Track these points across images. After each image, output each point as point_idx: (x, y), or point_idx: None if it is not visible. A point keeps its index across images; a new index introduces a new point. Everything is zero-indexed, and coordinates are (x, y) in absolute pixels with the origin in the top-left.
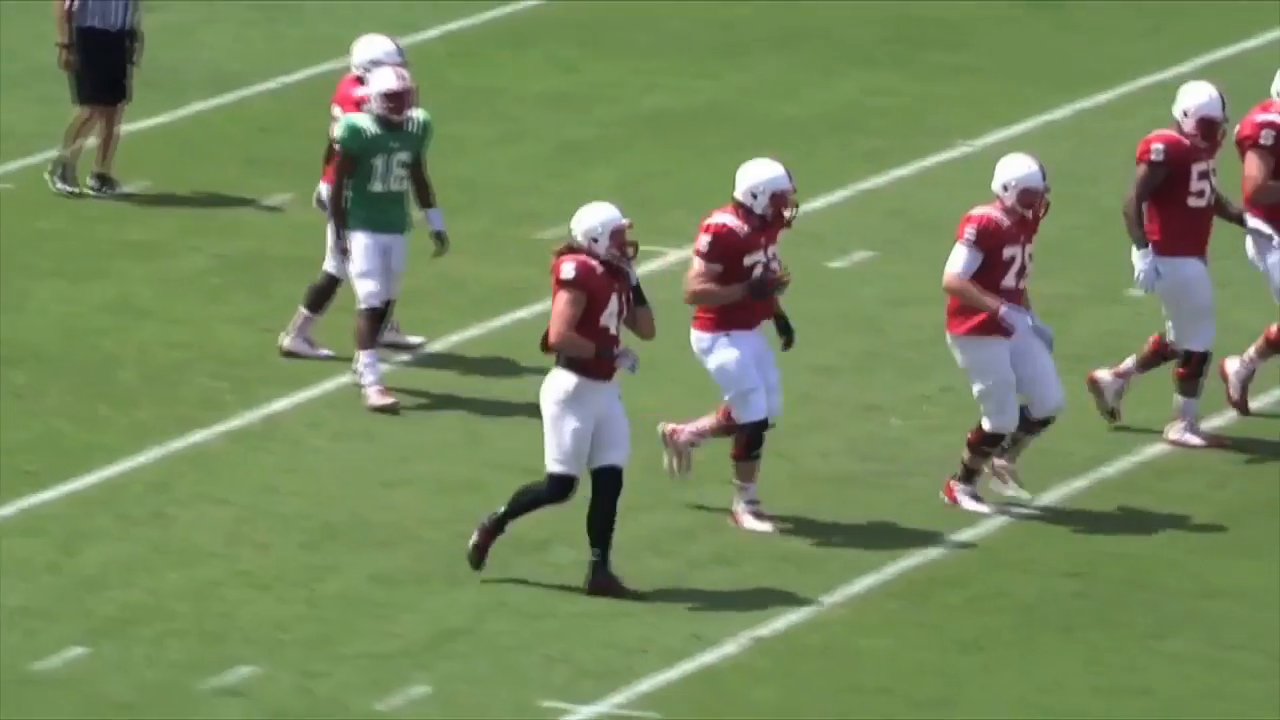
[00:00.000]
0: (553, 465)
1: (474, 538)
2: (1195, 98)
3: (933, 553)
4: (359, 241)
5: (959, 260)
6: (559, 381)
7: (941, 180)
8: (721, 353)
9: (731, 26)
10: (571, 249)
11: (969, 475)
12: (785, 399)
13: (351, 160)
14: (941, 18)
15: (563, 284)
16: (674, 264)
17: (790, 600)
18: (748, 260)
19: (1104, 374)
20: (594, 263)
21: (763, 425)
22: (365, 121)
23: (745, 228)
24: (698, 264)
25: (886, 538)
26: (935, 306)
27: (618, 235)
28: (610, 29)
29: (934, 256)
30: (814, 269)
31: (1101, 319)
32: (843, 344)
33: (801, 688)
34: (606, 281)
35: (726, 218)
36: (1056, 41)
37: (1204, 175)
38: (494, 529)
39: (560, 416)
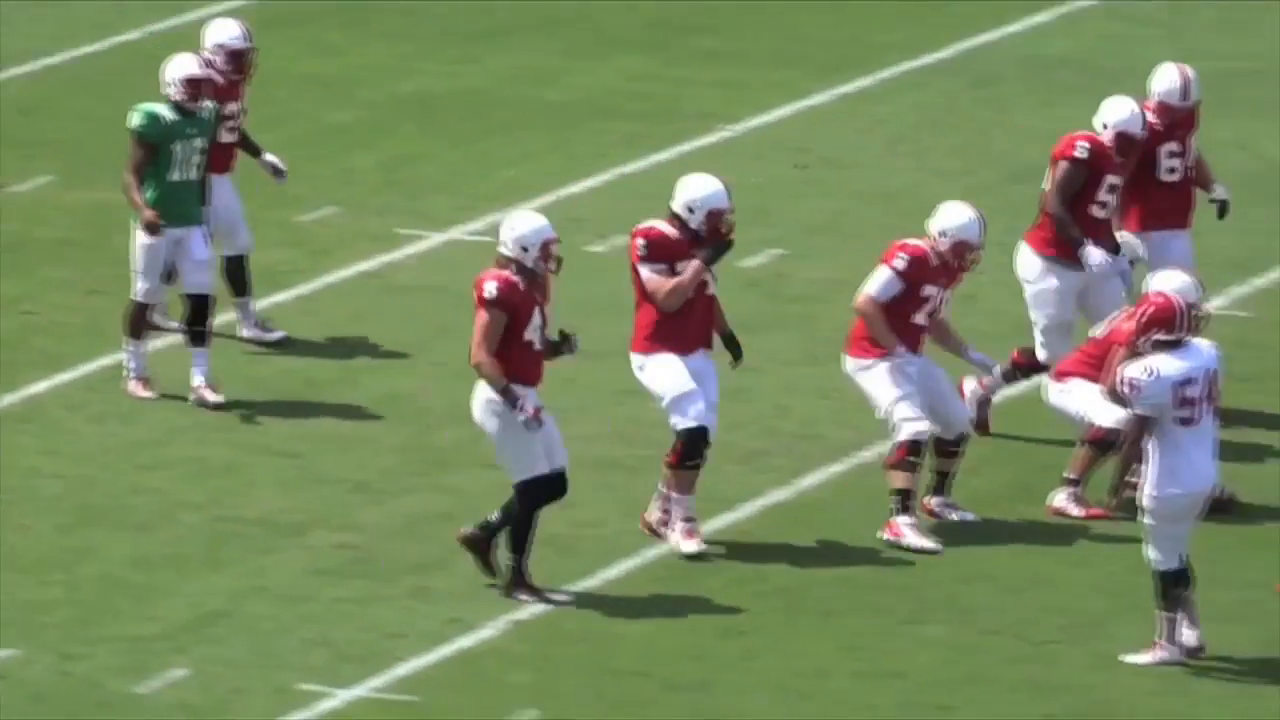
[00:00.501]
0: (524, 474)
1: (519, 592)
2: (1117, 113)
3: None
4: (144, 237)
5: (878, 283)
6: (489, 394)
7: (701, 165)
8: (656, 364)
9: (492, 11)
10: (498, 260)
11: (905, 504)
12: (547, 384)
13: (150, 149)
14: (701, 3)
15: (485, 303)
16: (434, 248)
17: (549, 584)
18: (678, 267)
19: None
20: (515, 279)
21: (701, 434)
22: (162, 109)
23: (678, 236)
24: (645, 273)
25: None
26: None
27: (547, 247)
28: (372, 12)
29: None
30: (574, 253)
31: None
32: (604, 329)
33: (559, 671)
34: (528, 296)
35: (660, 225)
36: (816, 26)
37: (1113, 188)
38: (520, 578)
39: (503, 425)
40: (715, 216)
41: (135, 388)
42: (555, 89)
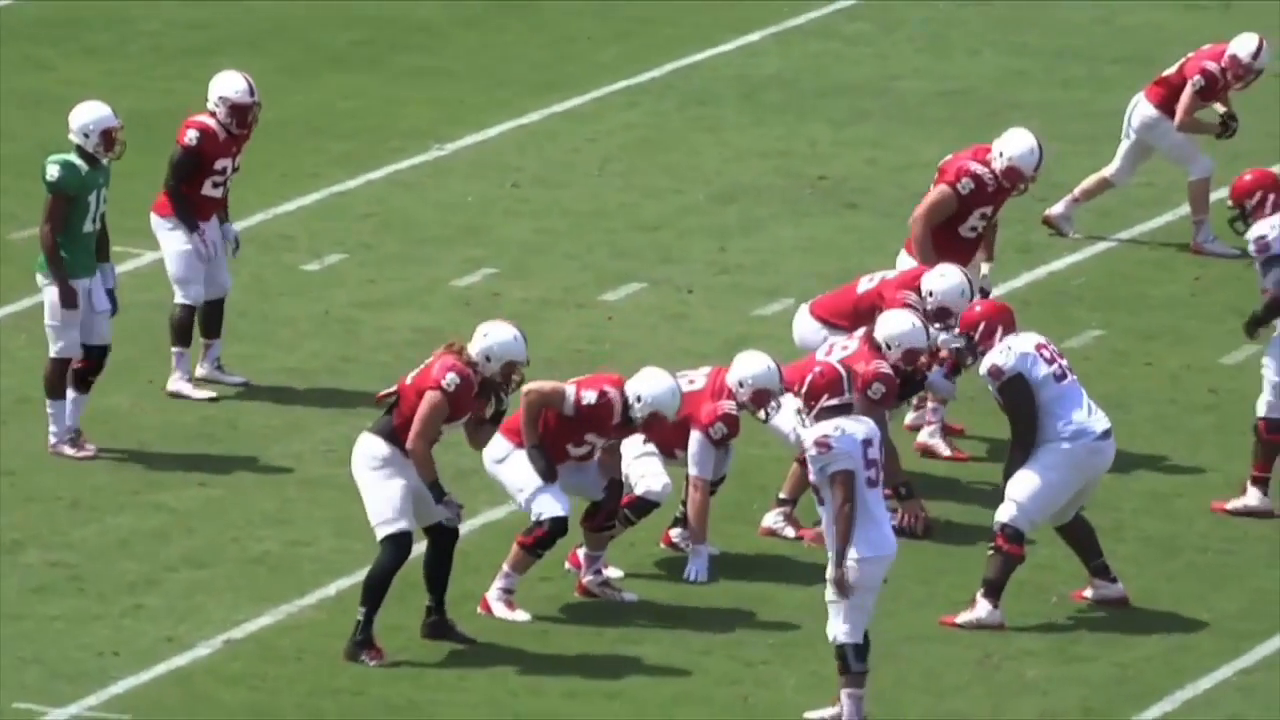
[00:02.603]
0: (387, 528)
1: (361, 654)
2: (1016, 146)
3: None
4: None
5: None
6: (371, 448)
7: (413, 183)
8: (517, 458)
9: (204, 27)
10: (456, 350)
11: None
12: (259, 403)
13: (69, 201)
14: (412, 19)
15: (441, 390)
16: (148, 265)
17: (263, 602)
18: (589, 438)
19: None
20: (474, 380)
21: (564, 524)
22: (76, 159)
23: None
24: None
25: (364, 538)
26: (407, 310)
27: (509, 369)
28: (83, 29)
29: (405, 258)
30: (288, 272)
31: (573, 322)
32: (316, 347)
33: (274, 690)
34: (474, 402)
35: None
36: (527, 45)
37: (984, 216)
38: (366, 631)
39: (381, 479)
40: (510, 367)
41: (65, 448)
42: (268, 106)
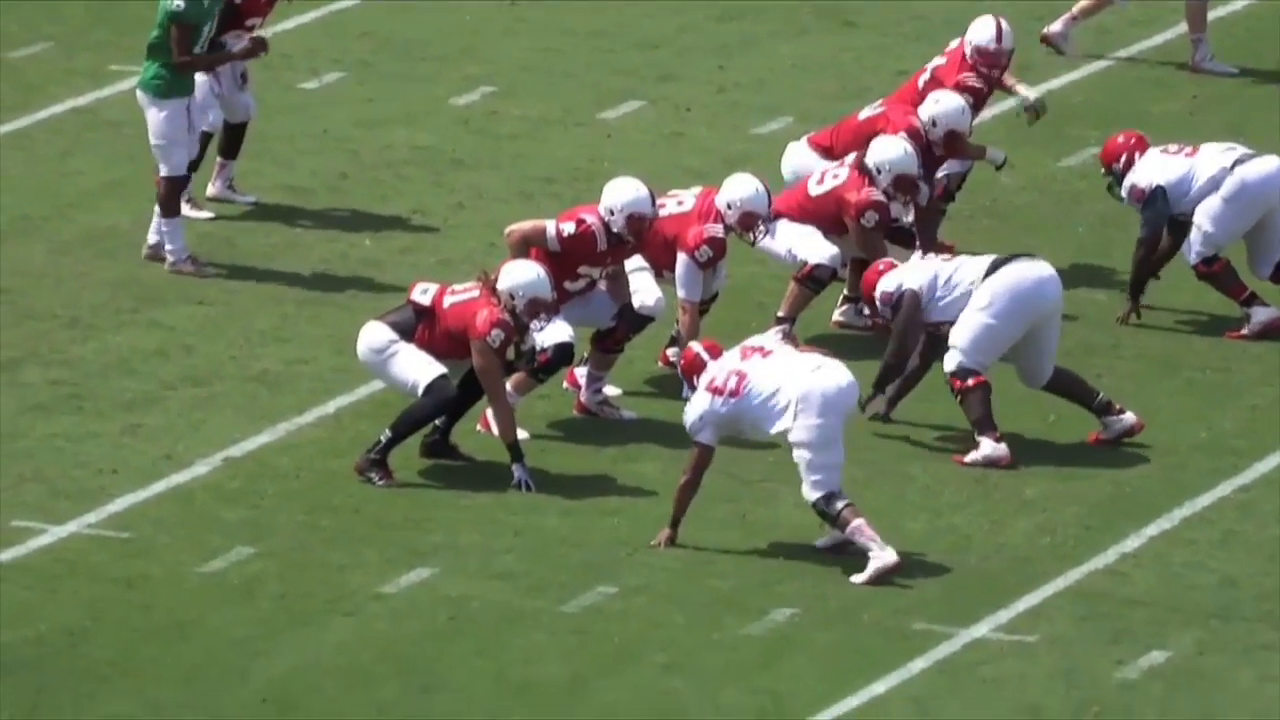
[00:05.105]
0: (423, 380)
1: (371, 471)
2: (981, 34)
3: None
4: (176, 108)
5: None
6: (378, 336)
7: (411, 2)
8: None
9: None
10: (490, 285)
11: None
12: (258, 222)
13: (191, 30)
14: None
15: (487, 343)
16: None
17: (261, 420)
18: (582, 270)
19: None
20: (513, 329)
21: (569, 350)
22: None
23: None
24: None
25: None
26: (405, 128)
27: (535, 305)
28: None
29: (404, 76)
30: (286, 90)
31: (572, 141)
32: (314, 165)
33: (272, 507)
34: (505, 352)
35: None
36: None
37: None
38: (383, 453)
39: (393, 356)
40: (636, 221)
41: (187, 265)
42: None
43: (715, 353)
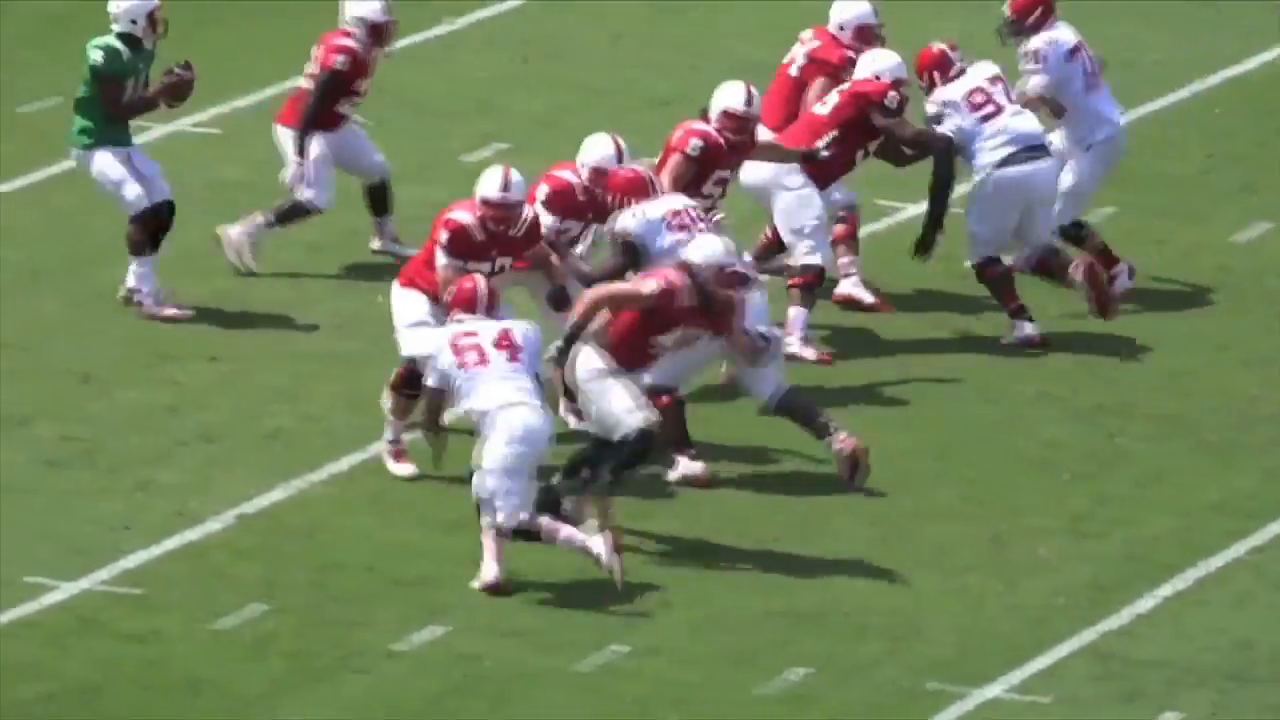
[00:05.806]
0: (634, 421)
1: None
2: (730, 98)
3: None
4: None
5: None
6: (590, 359)
7: (424, 57)
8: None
9: None
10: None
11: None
12: (270, 279)
13: (118, 85)
14: None
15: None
16: (156, 139)
17: (274, 477)
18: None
19: None
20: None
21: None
22: (118, 43)
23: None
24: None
25: (374, 413)
26: (415, 184)
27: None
28: None
29: (415, 132)
30: None
31: None
32: (327, 220)
33: (286, 565)
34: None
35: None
36: None
37: (721, 181)
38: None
39: (606, 380)
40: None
41: (156, 307)
42: None
43: (491, 302)
